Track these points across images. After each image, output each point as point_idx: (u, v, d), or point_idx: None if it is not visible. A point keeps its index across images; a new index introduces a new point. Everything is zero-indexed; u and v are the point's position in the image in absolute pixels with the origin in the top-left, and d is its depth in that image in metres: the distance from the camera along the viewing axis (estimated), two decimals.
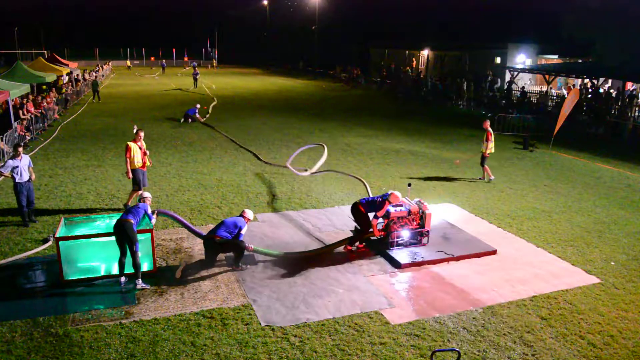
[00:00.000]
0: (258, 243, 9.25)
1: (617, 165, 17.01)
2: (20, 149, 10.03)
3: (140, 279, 7.77)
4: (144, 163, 11.04)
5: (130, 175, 10.77)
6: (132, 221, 7.79)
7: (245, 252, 8.44)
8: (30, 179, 10.06)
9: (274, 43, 74.19)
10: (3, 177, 9.93)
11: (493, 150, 14.39)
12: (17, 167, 9.81)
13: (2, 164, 9.88)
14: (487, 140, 14.03)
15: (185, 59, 66.62)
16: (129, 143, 10.84)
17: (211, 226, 9.62)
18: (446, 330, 6.84)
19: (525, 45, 38.13)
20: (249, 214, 8.71)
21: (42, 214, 10.66)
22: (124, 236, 7.69)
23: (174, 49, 70.34)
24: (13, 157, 9.90)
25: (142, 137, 11.14)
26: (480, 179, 14.54)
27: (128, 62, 64.11)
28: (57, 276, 7.86)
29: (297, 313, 7.18)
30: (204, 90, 37.07)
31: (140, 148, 10.97)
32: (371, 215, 9.29)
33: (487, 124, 14.25)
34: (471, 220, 11.13)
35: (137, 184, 10.87)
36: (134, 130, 11.95)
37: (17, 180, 9.82)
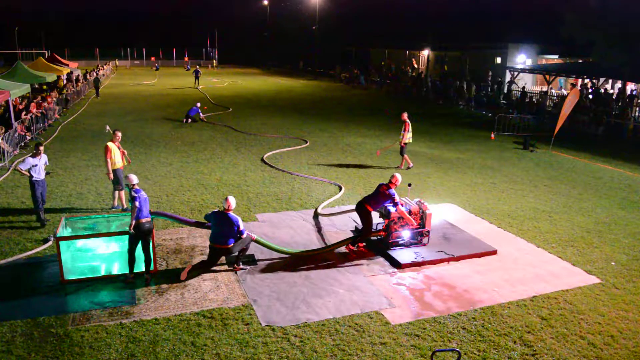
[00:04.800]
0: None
1: (617, 165, 17.01)
2: (41, 148, 10.07)
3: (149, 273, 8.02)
4: (123, 162, 11.14)
5: (112, 175, 10.78)
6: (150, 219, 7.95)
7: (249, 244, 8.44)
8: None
9: (274, 43, 74.16)
10: (21, 174, 9.96)
11: (410, 140, 15.37)
12: (36, 165, 9.85)
13: (22, 160, 9.92)
14: (404, 130, 15.06)
15: (186, 59, 66.65)
16: (108, 144, 10.83)
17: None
18: (446, 330, 6.84)
19: (525, 45, 38.09)
20: (232, 202, 8.12)
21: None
22: (148, 235, 7.83)
23: (174, 49, 70.38)
24: (33, 156, 9.95)
25: (120, 138, 11.18)
26: (398, 167, 15.42)
27: (116, 62, 64.21)
28: (57, 276, 7.86)
29: (297, 313, 7.18)
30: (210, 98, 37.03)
31: (119, 148, 11.02)
32: (375, 215, 9.29)
33: (405, 115, 15.26)
34: (471, 220, 11.13)
35: (118, 184, 10.91)
36: (106, 131, 12.01)
37: (34, 179, 9.86)
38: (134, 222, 7.71)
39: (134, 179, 8.17)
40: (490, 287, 8.08)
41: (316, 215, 11.09)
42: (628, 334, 6.89)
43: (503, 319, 7.18)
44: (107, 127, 12.42)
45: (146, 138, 19.18)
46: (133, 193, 7.87)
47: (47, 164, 10.39)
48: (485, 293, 7.89)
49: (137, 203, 7.73)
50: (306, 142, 18.94)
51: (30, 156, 10.02)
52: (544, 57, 38.60)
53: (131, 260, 7.87)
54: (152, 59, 67.66)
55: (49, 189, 12.37)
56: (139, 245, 7.94)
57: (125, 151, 11.30)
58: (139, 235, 7.78)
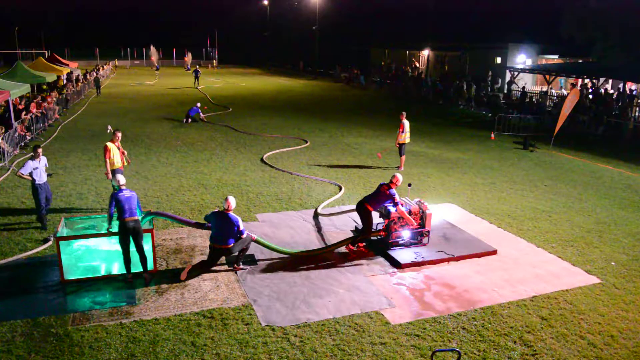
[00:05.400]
0: None
1: (617, 165, 17.01)
2: (40, 150, 9.96)
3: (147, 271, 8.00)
4: (122, 163, 11.15)
5: (110, 176, 10.77)
6: (139, 218, 7.91)
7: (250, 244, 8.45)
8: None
9: (274, 43, 74.16)
10: (23, 178, 9.92)
11: (407, 141, 15.36)
12: (37, 168, 9.76)
13: (22, 165, 9.87)
14: (400, 131, 15.11)
15: (186, 59, 66.66)
16: (107, 144, 10.83)
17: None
18: (446, 330, 6.84)
19: (525, 45, 38.13)
20: (232, 202, 8.11)
21: None
22: (136, 235, 7.79)
23: (174, 49, 70.41)
24: (32, 158, 9.85)
25: (120, 138, 11.16)
26: (397, 167, 15.35)
27: (116, 62, 64.44)
28: (57, 276, 7.87)
29: (297, 313, 7.18)
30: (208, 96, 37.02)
31: (119, 148, 11.01)
32: (375, 215, 9.32)
33: (403, 116, 15.37)
34: (471, 220, 11.12)
35: None
36: (108, 131, 12.01)
37: (36, 182, 9.78)
38: (110, 225, 7.87)
39: (121, 180, 8.22)
40: (490, 287, 8.08)
41: (316, 216, 11.11)
42: (628, 334, 6.89)
43: (503, 319, 7.18)
44: (109, 127, 12.43)
45: (146, 138, 19.18)
46: (113, 196, 7.95)
47: (47, 165, 10.34)
48: (485, 293, 7.89)
49: (112, 209, 7.86)
50: (306, 142, 18.93)
51: (29, 159, 9.95)
52: (544, 57, 38.62)
53: (126, 261, 7.85)
54: (152, 59, 67.66)
55: None
56: (134, 246, 7.93)
57: (125, 151, 11.31)
58: (127, 234, 7.73)
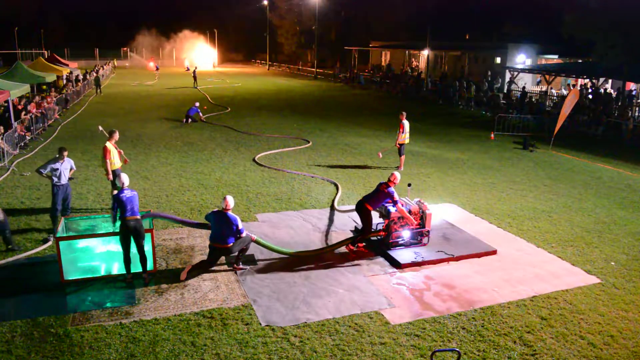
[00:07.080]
0: None
1: (617, 165, 17.01)
2: (65, 153, 9.87)
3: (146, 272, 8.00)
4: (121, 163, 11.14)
5: (111, 176, 10.74)
6: (139, 217, 7.93)
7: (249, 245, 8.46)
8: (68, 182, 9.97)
9: (273, 43, 74.15)
10: (42, 176, 9.87)
11: (407, 141, 15.30)
12: (58, 169, 9.69)
13: (43, 165, 9.82)
14: (401, 131, 15.02)
15: (185, 59, 66.71)
16: (106, 145, 10.77)
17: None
18: (446, 330, 6.84)
19: (525, 45, 38.16)
20: (230, 201, 8.11)
21: (42, 213, 10.68)
22: (137, 234, 7.78)
23: (174, 49, 70.40)
24: (55, 160, 9.75)
25: (117, 138, 11.11)
26: (397, 167, 15.30)
27: (115, 62, 64.59)
28: (57, 276, 7.86)
29: (297, 313, 7.18)
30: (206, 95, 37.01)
31: (116, 148, 10.99)
32: (375, 214, 9.34)
33: (403, 116, 15.34)
34: (471, 220, 11.13)
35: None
36: (99, 131, 11.97)
37: (54, 182, 9.73)
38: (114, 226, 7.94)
39: (125, 180, 8.24)
40: (490, 287, 8.08)
41: (332, 209, 11.33)
42: (628, 334, 6.89)
43: (503, 319, 7.18)
44: (100, 128, 12.33)
45: (146, 138, 19.18)
46: (114, 197, 7.99)
47: (74, 168, 10.18)
48: (485, 293, 7.89)
49: (115, 210, 7.89)
50: (308, 142, 18.91)
51: (50, 161, 9.83)
52: (544, 57, 38.64)
53: (126, 261, 7.85)
54: (152, 59, 67.71)
55: (48, 189, 12.22)
56: (134, 246, 7.93)
57: (122, 151, 11.27)
58: (128, 234, 7.74)
